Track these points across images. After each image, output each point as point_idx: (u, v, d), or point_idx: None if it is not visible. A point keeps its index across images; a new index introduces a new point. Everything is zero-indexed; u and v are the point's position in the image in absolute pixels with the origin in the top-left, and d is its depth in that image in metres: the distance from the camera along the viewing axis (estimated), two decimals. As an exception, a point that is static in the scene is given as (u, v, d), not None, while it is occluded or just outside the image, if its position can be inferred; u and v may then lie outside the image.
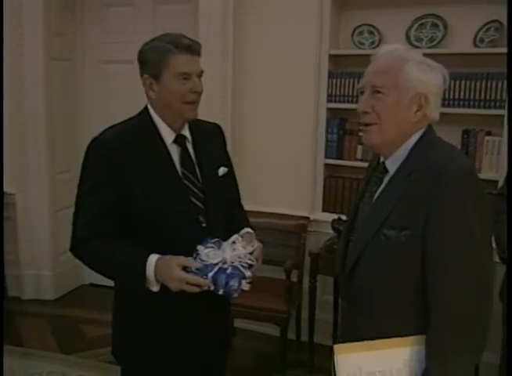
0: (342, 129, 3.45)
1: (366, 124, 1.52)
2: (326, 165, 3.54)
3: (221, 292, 1.64)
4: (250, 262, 1.71)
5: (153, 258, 1.65)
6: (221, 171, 1.91)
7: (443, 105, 3.14)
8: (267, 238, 3.56)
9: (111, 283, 1.88)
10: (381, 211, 1.49)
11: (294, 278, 3.41)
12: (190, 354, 1.87)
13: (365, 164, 1.86)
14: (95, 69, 4.32)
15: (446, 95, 3.15)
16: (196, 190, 1.81)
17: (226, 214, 1.90)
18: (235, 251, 1.68)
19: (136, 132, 1.79)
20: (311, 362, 3.36)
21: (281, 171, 3.58)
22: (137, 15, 4.16)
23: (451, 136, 3.20)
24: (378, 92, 1.48)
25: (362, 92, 1.54)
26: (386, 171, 1.55)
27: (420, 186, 1.41)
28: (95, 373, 3.24)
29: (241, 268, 1.66)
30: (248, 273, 1.66)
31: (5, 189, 4.13)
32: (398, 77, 1.47)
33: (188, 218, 1.78)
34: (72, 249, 1.78)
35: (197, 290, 1.63)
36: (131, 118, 1.86)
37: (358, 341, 1.47)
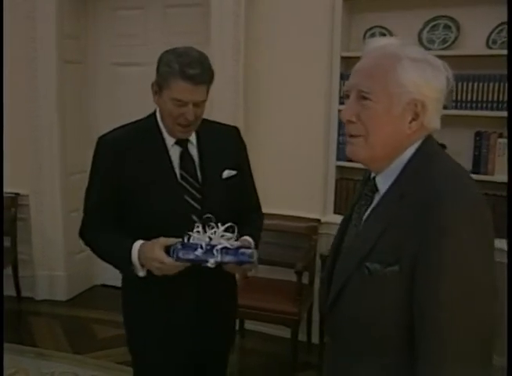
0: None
1: (351, 135, 1.27)
2: (338, 167, 3.53)
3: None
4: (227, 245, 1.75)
5: (137, 244, 1.79)
6: (226, 173, 1.93)
7: (455, 107, 3.16)
8: (278, 240, 3.58)
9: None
10: (366, 241, 1.25)
11: (305, 280, 3.41)
12: (180, 339, 1.95)
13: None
14: (106, 71, 4.35)
15: (459, 97, 3.14)
16: (192, 191, 1.87)
17: (233, 217, 1.88)
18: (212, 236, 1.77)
19: (141, 133, 1.89)
20: (322, 364, 3.34)
21: (292, 173, 3.58)
22: (148, 18, 4.18)
23: (463, 138, 3.21)
24: (365, 97, 1.23)
25: (347, 96, 1.28)
26: (376, 189, 1.31)
27: (412, 214, 1.17)
28: (106, 373, 3.26)
29: (214, 251, 1.73)
30: (214, 259, 1.72)
31: (19, 190, 4.19)
32: (389, 80, 1.21)
33: (180, 216, 1.83)
34: (80, 236, 1.98)
35: (174, 271, 1.74)
36: (140, 120, 1.96)
37: None
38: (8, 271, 4.14)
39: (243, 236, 1.88)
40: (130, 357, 2.12)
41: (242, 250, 1.77)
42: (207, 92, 1.83)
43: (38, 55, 4.00)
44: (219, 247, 1.74)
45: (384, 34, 3.36)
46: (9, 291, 4.18)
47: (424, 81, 1.21)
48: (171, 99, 1.76)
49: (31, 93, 4.06)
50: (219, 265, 1.77)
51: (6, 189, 4.11)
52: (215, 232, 1.77)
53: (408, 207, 1.18)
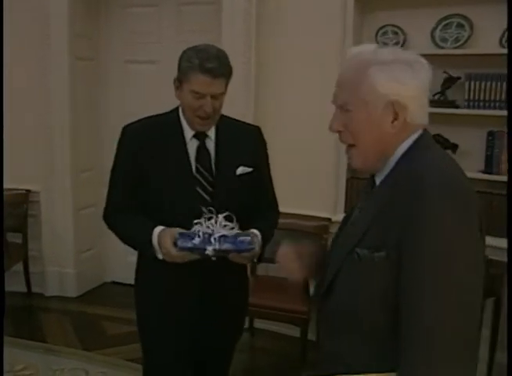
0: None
1: (349, 145, 1.35)
2: (349, 166, 3.51)
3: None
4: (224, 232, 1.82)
5: (158, 229, 1.88)
6: (241, 170, 1.98)
7: (467, 106, 3.14)
8: (288, 239, 3.56)
9: (133, 281, 2.07)
10: (358, 228, 1.32)
11: (315, 279, 3.40)
12: (184, 321, 2.02)
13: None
14: (119, 69, 4.36)
15: (471, 97, 3.12)
16: (205, 183, 1.95)
17: (243, 212, 1.93)
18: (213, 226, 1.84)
19: (163, 125, 2.00)
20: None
21: (303, 172, 3.57)
22: (161, 15, 4.18)
23: (475, 138, 3.18)
24: (346, 109, 1.30)
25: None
26: (375, 184, 1.39)
27: (399, 202, 1.21)
28: (115, 370, 3.27)
29: (212, 239, 1.80)
30: (212, 247, 1.78)
31: (31, 187, 4.21)
32: (362, 88, 1.26)
33: (190, 207, 1.91)
34: (104, 219, 2.07)
35: (181, 259, 1.82)
36: (164, 113, 2.06)
37: (333, 369, 1.34)
38: (19, 267, 4.17)
39: (251, 229, 1.94)
40: (139, 354, 2.15)
41: (241, 238, 1.82)
42: (226, 86, 1.91)
43: (51, 52, 4.02)
44: (217, 235, 1.79)
45: (396, 33, 3.35)
46: (20, 286, 4.22)
47: (397, 82, 1.25)
48: (191, 92, 1.85)
49: (43, 91, 4.08)
50: (224, 257, 1.82)
51: (18, 185, 4.16)
52: (216, 221, 1.83)
53: (396, 196, 1.23)
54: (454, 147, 3.20)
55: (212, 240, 1.79)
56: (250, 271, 3.62)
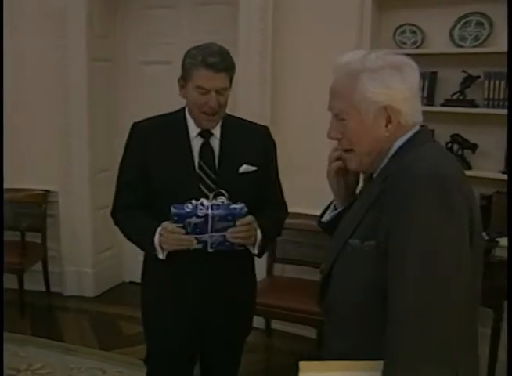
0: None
1: (345, 150, 1.40)
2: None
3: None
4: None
5: (159, 228, 1.90)
6: (244, 168, 2.00)
7: (487, 105, 3.09)
8: (301, 239, 3.55)
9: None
10: (352, 220, 1.37)
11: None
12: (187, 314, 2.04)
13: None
14: (136, 70, 4.38)
15: (491, 96, 3.07)
16: (207, 180, 1.98)
17: (250, 210, 1.94)
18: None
19: (169, 123, 2.05)
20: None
21: (315, 173, 3.53)
22: (178, 16, 4.19)
23: (495, 138, 3.13)
24: (341, 118, 1.36)
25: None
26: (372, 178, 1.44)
27: (388, 194, 1.25)
28: (132, 370, 3.27)
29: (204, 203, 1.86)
30: (204, 211, 1.84)
31: (49, 187, 4.24)
32: (354, 97, 1.31)
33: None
34: (111, 215, 2.11)
35: (178, 241, 1.87)
36: (172, 112, 2.10)
37: (334, 357, 1.35)
38: (38, 266, 4.21)
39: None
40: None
41: (232, 205, 1.87)
42: (230, 81, 1.95)
43: (69, 53, 4.05)
44: (209, 203, 1.85)
45: (414, 32, 3.31)
46: (39, 286, 4.25)
47: (387, 87, 1.28)
48: (195, 88, 1.89)
49: (61, 91, 4.11)
50: (222, 245, 1.87)
51: (37, 186, 4.21)
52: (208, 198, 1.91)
53: (387, 190, 1.26)
54: (473, 147, 3.16)
55: (205, 204, 1.84)
56: (267, 272, 3.61)
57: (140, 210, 2.03)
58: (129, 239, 2.07)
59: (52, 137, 4.20)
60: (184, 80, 1.94)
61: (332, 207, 1.60)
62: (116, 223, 2.10)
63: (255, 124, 2.17)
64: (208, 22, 4.03)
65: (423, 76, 3.23)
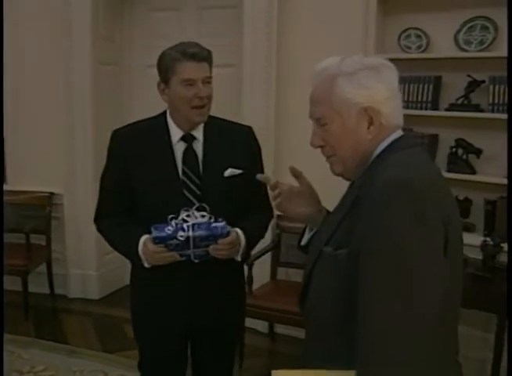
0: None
1: (327, 156, 1.39)
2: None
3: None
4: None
5: (142, 239, 1.89)
6: (229, 172, 1.97)
7: (492, 110, 3.08)
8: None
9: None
10: (329, 226, 1.36)
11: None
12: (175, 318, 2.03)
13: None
14: (141, 73, 4.38)
15: (495, 100, 3.06)
16: (192, 186, 1.95)
17: (231, 213, 1.94)
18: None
19: (149, 129, 2.02)
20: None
21: (320, 179, 3.53)
22: (182, 19, 4.21)
23: (500, 142, 3.11)
24: (322, 124, 1.34)
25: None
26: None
27: (362, 199, 1.23)
28: (135, 373, 3.25)
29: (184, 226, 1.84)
30: (186, 234, 1.82)
31: (54, 189, 4.25)
32: (333, 101, 1.30)
33: (178, 211, 1.88)
34: (94, 222, 2.11)
35: (161, 259, 1.86)
36: (152, 117, 2.08)
37: (312, 362, 1.37)
38: (42, 268, 4.21)
39: (234, 228, 1.94)
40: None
41: (214, 224, 1.84)
42: (211, 71, 1.94)
43: (74, 56, 4.06)
44: (190, 223, 1.82)
45: (419, 36, 3.31)
46: (43, 288, 4.26)
47: (365, 88, 1.28)
48: (181, 83, 1.88)
49: (66, 94, 4.13)
50: (207, 259, 1.86)
51: (42, 188, 4.22)
52: (189, 215, 1.86)
53: (361, 198, 1.24)
54: (478, 152, 3.15)
55: (185, 226, 1.82)
56: (271, 276, 3.61)
57: (124, 217, 2.01)
58: (114, 248, 2.07)
59: (57, 139, 4.21)
60: (165, 81, 1.93)
61: (308, 229, 1.60)
62: (99, 231, 2.09)
63: (238, 124, 2.15)
64: (213, 25, 4.04)
65: (427, 80, 3.24)
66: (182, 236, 1.80)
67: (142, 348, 2.17)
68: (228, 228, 1.86)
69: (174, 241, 1.81)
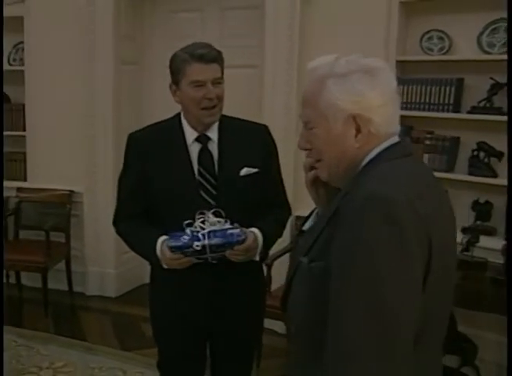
0: (408, 137, 3.37)
1: (316, 160, 1.30)
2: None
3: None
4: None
5: (160, 240, 1.90)
6: (245, 171, 1.96)
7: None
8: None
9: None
10: (308, 239, 1.29)
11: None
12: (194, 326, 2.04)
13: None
14: (162, 73, 4.39)
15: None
16: (208, 187, 1.95)
17: (248, 213, 1.94)
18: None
19: (165, 131, 2.03)
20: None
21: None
22: (205, 20, 4.21)
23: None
24: (310, 127, 1.25)
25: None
26: None
27: (341, 214, 1.15)
28: (153, 371, 3.26)
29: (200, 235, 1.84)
30: (201, 243, 1.82)
31: (74, 188, 4.29)
32: (320, 104, 1.20)
33: (194, 211, 1.89)
34: (113, 224, 2.12)
35: (178, 264, 1.87)
36: (167, 119, 2.08)
37: (291, 369, 1.33)
38: (61, 266, 4.25)
39: (251, 228, 1.93)
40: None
41: (230, 231, 1.83)
42: (222, 72, 1.92)
43: (96, 56, 4.10)
44: (205, 231, 1.82)
45: (441, 38, 3.29)
46: (62, 285, 4.30)
47: (356, 95, 1.18)
48: (190, 84, 1.88)
49: (88, 93, 4.16)
50: (226, 259, 1.85)
51: (62, 186, 4.27)
52: (205, 221, 1.86)
53: (340, 210, 1.16)
54: (500, 155, 3.12)
55: (200, 236, 1.82)
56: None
57: (142, 219, 2.03)
58: (133, 250, 2.08)
59: (77, 138, 4.25)
60: (176, 82, 1.93)
61: (314, 214, 1.47)
62: (118, 233, 2.11)
63: (253, 123, 2.12)
64: (235, 26, 4.04)
65: (449, 83, 3.21)
66: (197, 246, 1.81)
67: (160, 348, 2.16)
68: (244, 235, 1.86)
69: (191, 249, 1.83)
